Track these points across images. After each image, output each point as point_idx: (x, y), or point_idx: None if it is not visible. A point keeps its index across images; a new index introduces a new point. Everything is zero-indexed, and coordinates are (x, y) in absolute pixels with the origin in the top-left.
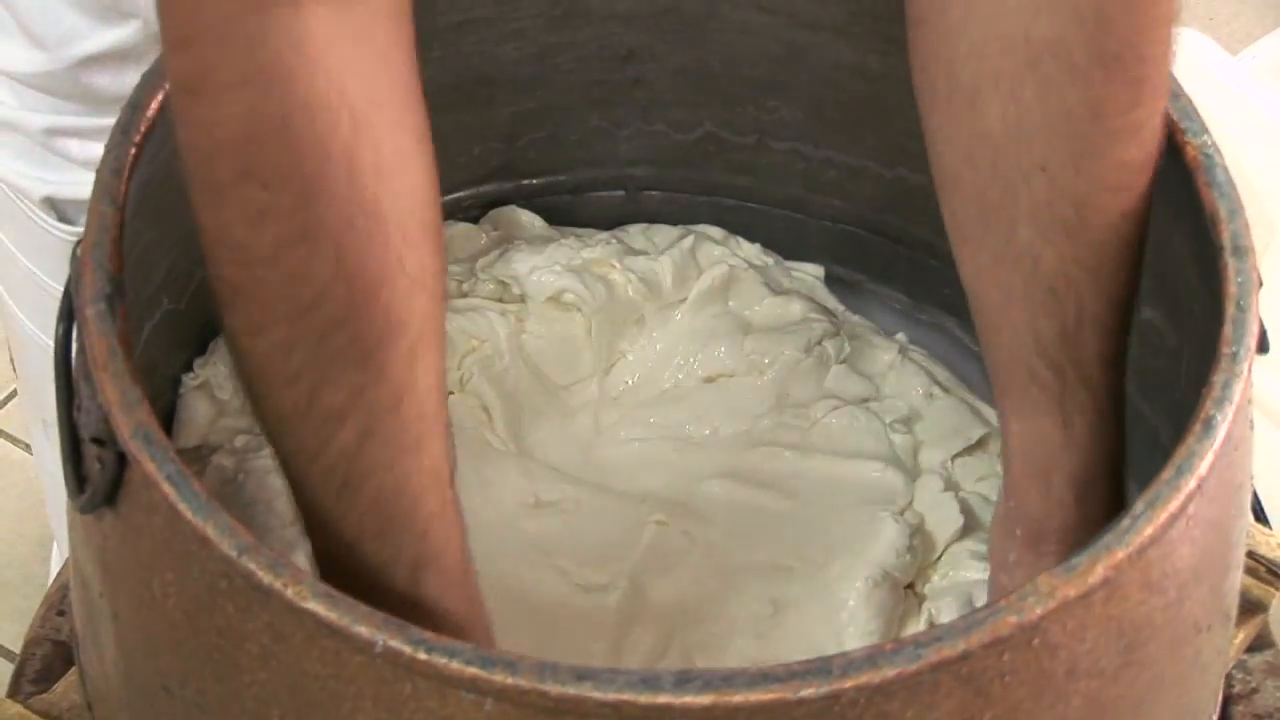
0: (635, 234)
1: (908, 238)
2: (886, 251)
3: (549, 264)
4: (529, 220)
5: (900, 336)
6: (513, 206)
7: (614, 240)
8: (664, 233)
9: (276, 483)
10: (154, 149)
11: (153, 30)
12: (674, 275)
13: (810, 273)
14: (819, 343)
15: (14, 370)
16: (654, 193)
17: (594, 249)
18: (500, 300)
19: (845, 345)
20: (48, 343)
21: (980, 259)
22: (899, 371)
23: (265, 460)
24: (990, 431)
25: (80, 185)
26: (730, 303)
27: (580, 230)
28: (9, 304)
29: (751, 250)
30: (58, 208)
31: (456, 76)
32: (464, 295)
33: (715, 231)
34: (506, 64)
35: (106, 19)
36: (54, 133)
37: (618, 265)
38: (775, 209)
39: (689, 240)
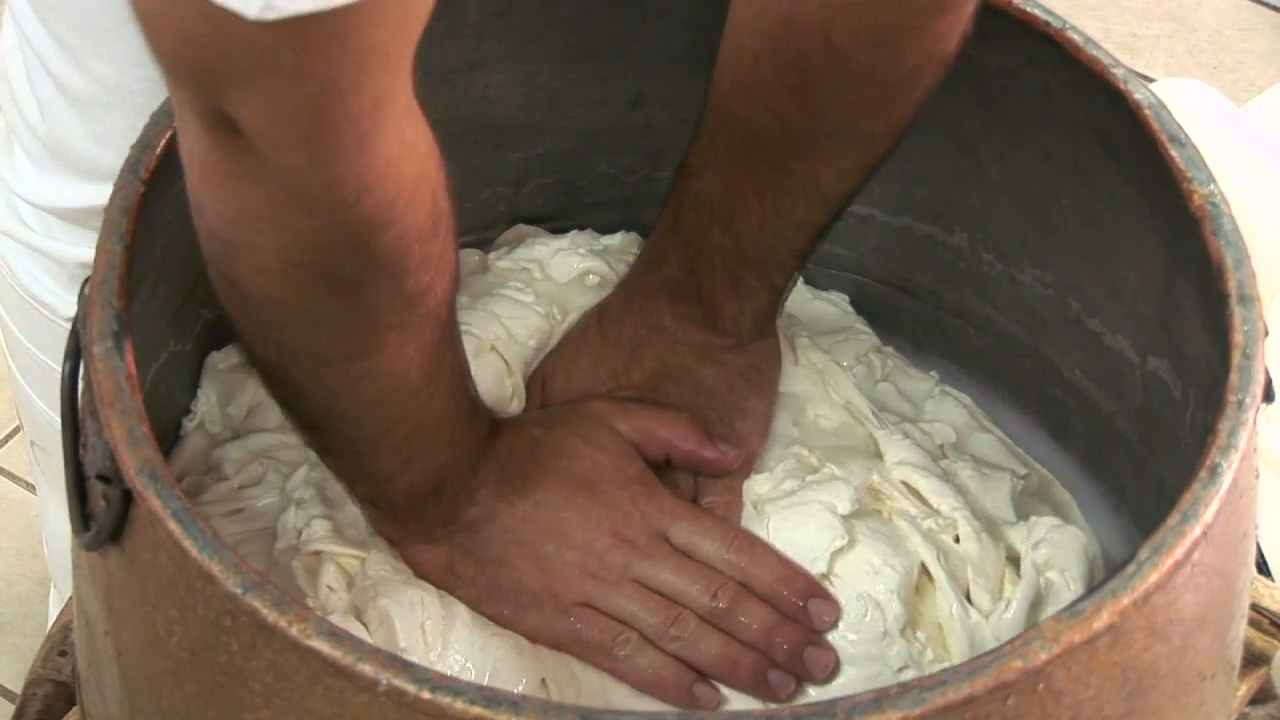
0: None
1: (913, 287)
2: (892, 300)
3: (573, 246)
4: (536, 233)
5: (934, 373)
6: (519, 226)
7: (632, 233)
8: None
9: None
10: (161, 188)
11: None
12: None
13: (836, 300)
14: (866, 355)
15: (14, 409)
16: None
17: (614, 238)
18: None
19: (888, 363)
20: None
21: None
22: (938, 402)
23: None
24: (1031, 472)
25: None
26: None
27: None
28: (24, 387)
29: None
30: None
31: (465, 121)
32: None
33: None
34: (515, 109)
35: None
36: (88, 265)
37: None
38: None
39: None
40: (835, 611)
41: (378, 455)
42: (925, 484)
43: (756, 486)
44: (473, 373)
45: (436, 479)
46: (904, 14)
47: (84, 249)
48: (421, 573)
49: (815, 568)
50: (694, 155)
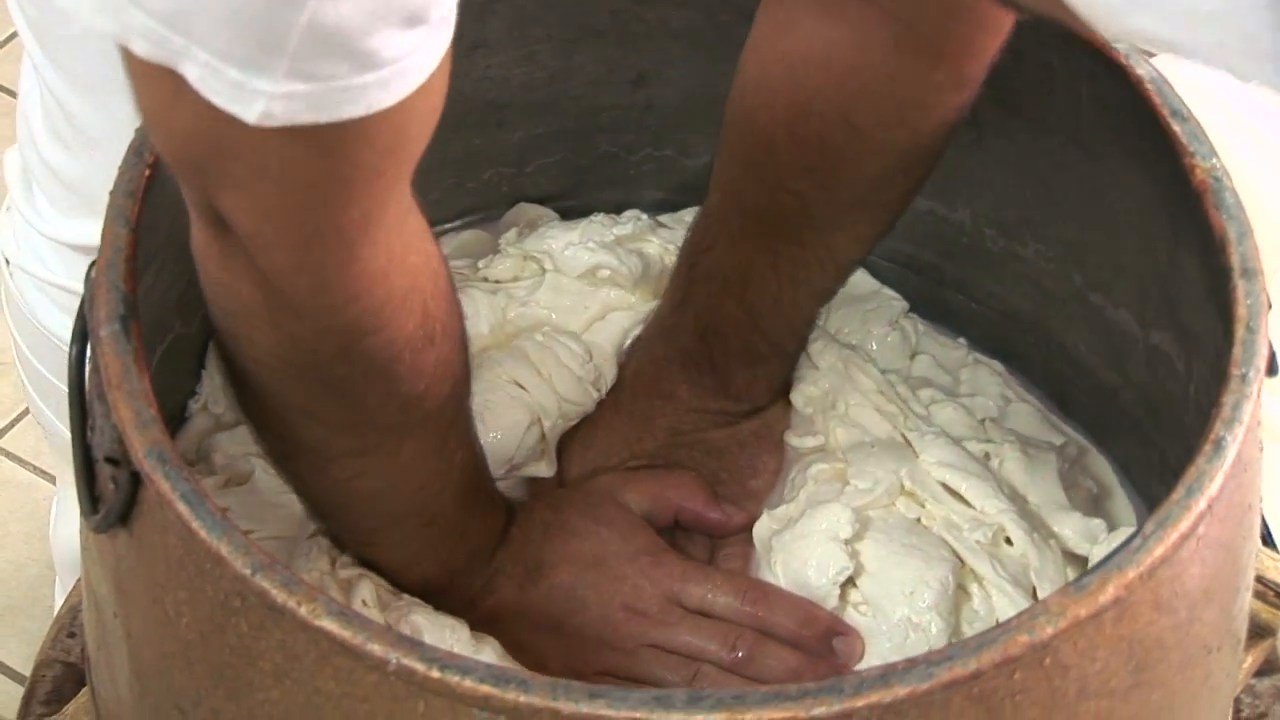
0: (666, 219)
1: (915, 262)
2: (895, 276)
3: (583, 240)
4: (543, 213)
5: (961, 340)
6: (523, 205)
7: (644, 218)
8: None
9: None
10: (166, 172)
11: None
12: None
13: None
14: (897, 321)
15: (22, 393)
16: (665, 218)
17: (625, 226)
18: (515, 279)
19: (918, 328)
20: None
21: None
22: (972, 370)
23: None
24: (1069, 440)
25: None
26: None
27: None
28: (39, 404)
29: None
30: None
31: (467, 101)
32: (475, 275)
33: None
34: (517, 88)
35: None
36: None
37: (653, 239)
38: None
39: None
40: (860, 646)
41: (386, 549)
42: (966, 485)
43: (767, 524)
44: (515, 442)
45: (450, 573)
46: (923, 90)
47: None
48: None
49: (829, 602)
50: (702, 233)
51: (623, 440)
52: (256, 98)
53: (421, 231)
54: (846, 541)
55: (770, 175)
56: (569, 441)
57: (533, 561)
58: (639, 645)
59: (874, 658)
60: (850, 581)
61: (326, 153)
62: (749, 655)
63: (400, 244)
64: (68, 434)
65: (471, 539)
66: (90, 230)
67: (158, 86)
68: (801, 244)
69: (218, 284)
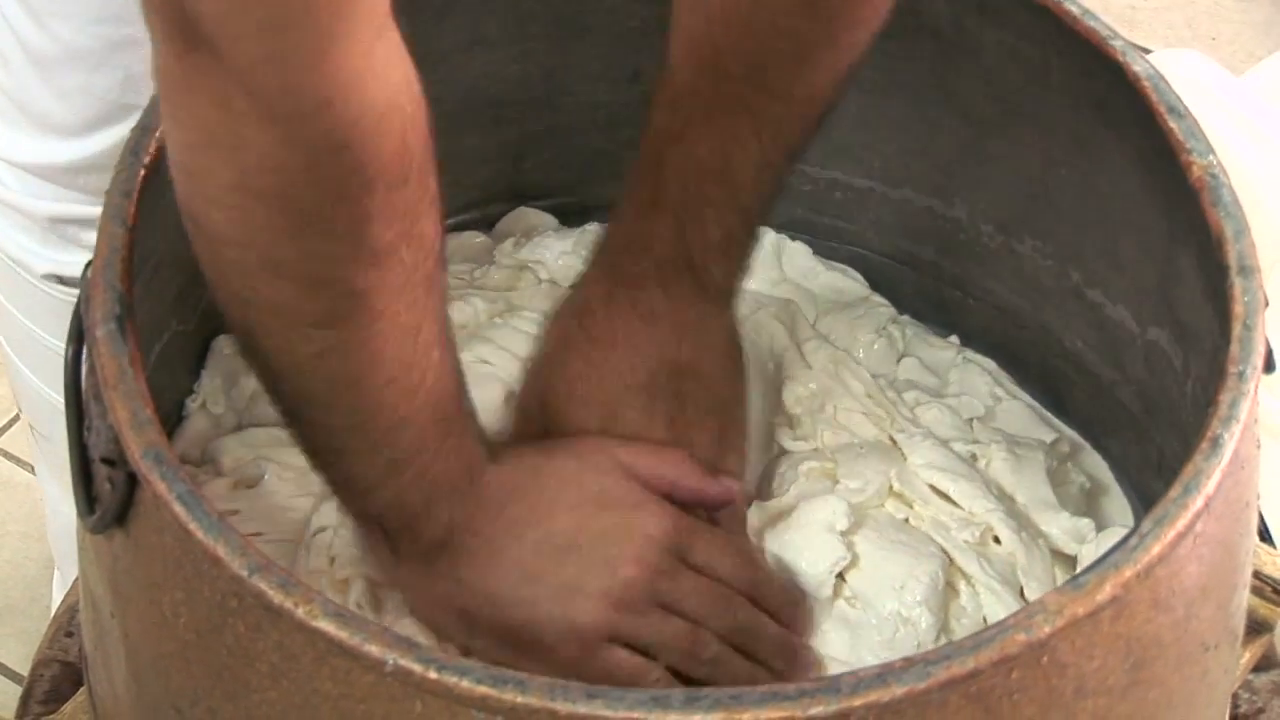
0: None
1: (914, 259)
2: (893, 273)
3: (576, 249)
4: (542, 220)
5: (954, 338)
6: (523, 209)
7: None
8: None
9: None
10: (163, 171)
11: None
12: None
13: (847, 271)
14: (885, 327)
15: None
16: None
17: None
18: (510, 289)
19: (907, 332)
20: (54, 396)
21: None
22: (961, 371)
23: None
24: (1061, 437)
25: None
26: (786, 270)
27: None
28: (11, 356)
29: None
30: (63, 279)
31: (463, 98)
32: (473, 283)
33: None
34: (513, 85)
35: (128, 114)
36: (58, 221)
37: None
38: (782, 232)
39: None
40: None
41: (357, 456)
42: (954, 487)
43: (757, 515)
44: (495, 417)
45: (427, 494)
46: None
47: (54, 204)
48: (422, 613)
49: (824, 592)
50: (667, 123)
51: (611, 370)
52: None
53: (403, 54)
54: (843, 533)
55: (760, 21)
56: (547, 385)
57: (525, 505)
58: (648, 605)
59: (864, 651)
60: (840, 575)
61: None
62: (750, 624)
63: (380, 53)
64: (30, 376)
65: (449, 459)
66: (34, 146)
67: None
68: (787, 97)
69: (180, 111)
